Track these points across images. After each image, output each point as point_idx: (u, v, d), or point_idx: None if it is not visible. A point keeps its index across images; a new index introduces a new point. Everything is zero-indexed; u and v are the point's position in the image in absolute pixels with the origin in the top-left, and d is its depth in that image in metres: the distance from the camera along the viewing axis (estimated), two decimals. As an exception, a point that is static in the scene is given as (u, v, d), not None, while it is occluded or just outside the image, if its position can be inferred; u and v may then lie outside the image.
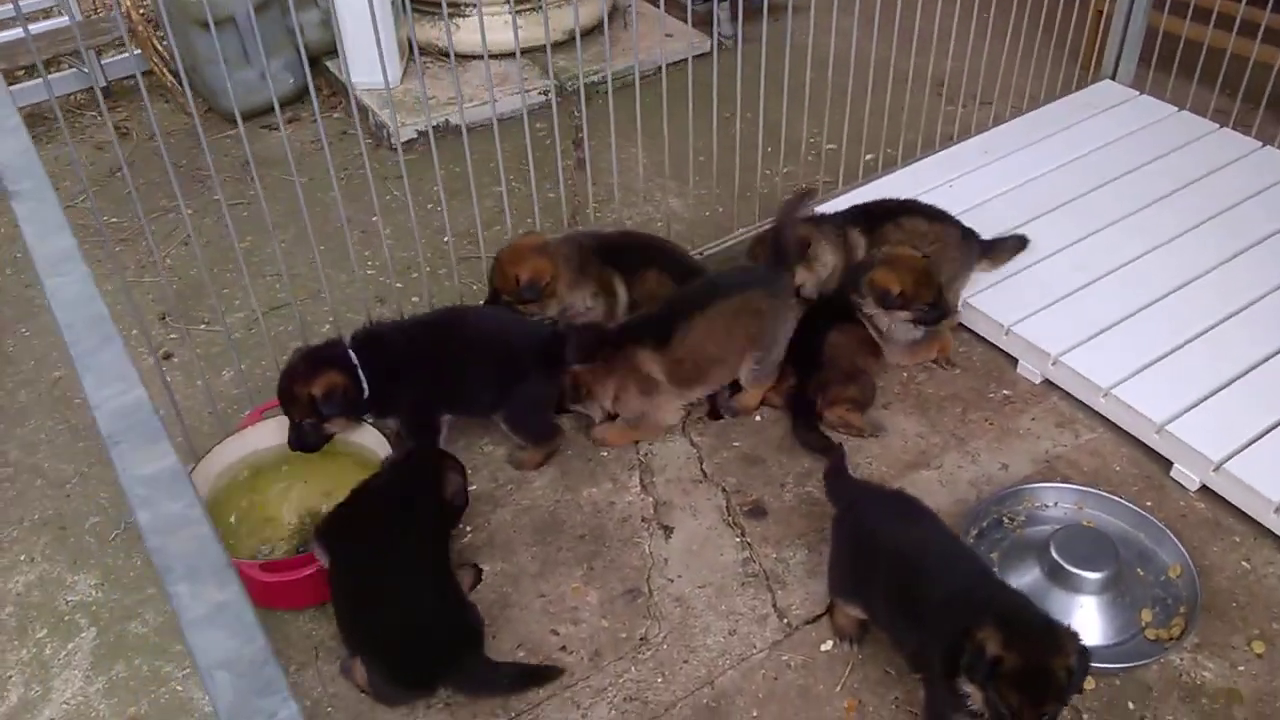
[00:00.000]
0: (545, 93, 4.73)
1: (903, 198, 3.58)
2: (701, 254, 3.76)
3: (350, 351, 2.84)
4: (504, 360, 2.97)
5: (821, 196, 3.96)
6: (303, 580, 2.64)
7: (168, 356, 3.56)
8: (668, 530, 2.92)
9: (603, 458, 3.13)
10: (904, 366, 3.36)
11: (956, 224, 3.47)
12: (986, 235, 3.54)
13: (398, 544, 2.50)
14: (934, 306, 3.16)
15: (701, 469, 3.09)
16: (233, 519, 2.87)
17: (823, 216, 3.53)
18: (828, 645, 2.62)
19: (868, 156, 4.21)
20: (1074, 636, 2.09)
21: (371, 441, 2.93)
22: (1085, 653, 2.08)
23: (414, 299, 3.67)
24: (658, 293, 3.27)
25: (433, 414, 3.01)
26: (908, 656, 2.42)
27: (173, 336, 3.65)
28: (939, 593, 2.25)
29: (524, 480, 3.07)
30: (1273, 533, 2.79)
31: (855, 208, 3.55)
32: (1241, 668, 2.53)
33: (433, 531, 2.60)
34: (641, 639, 2.65)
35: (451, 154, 4.17)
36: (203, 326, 3.69)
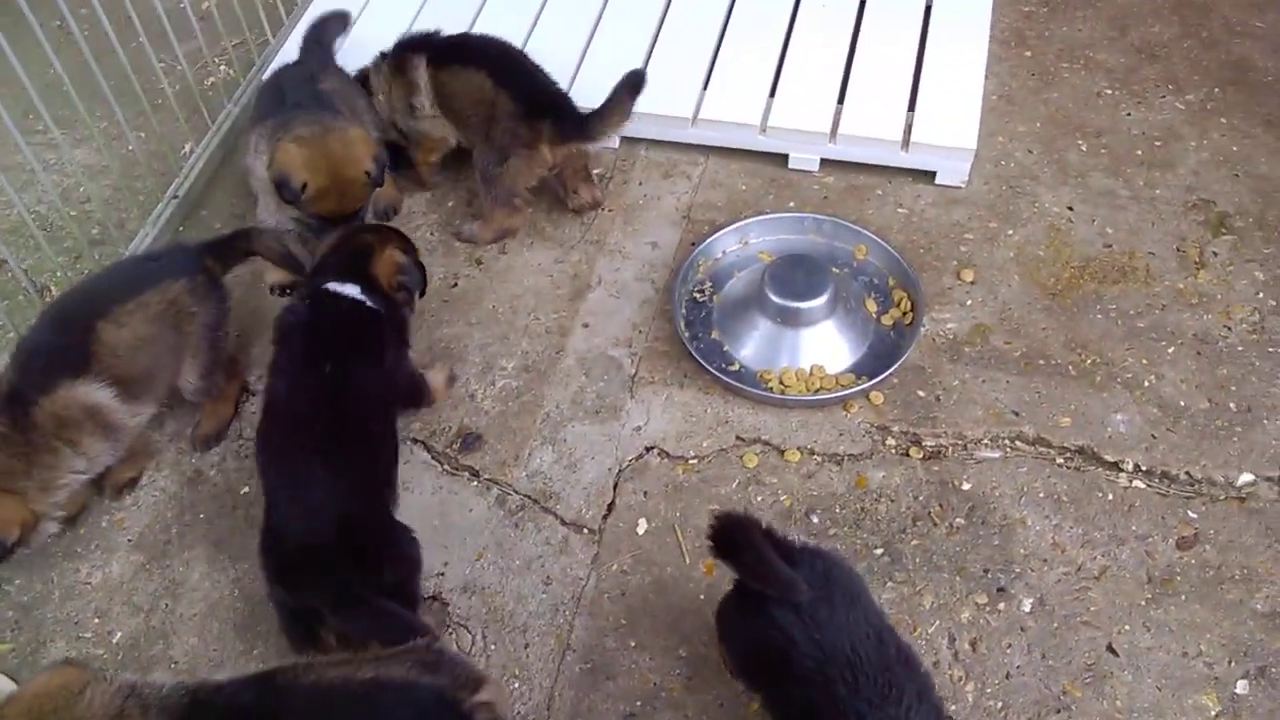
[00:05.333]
0: None
1: None
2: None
3: None
4: None
5: (256, 54, 3.17)
6: None
7: None
8: (394, 523, 2.31)
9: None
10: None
11: None
12: None
13: None
14: None
15: (374, 434, 2.46)
16: None
17: None
18: (643, 527, 2.27)
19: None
20: None
21: None
22: None
23: None
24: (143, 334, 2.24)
25: None
26: None
27: None
28: None
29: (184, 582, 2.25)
30: (901, 169, 2.82)
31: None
32: (969, 301, 2.57)
33: None
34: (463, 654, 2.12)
35: None
36: None
